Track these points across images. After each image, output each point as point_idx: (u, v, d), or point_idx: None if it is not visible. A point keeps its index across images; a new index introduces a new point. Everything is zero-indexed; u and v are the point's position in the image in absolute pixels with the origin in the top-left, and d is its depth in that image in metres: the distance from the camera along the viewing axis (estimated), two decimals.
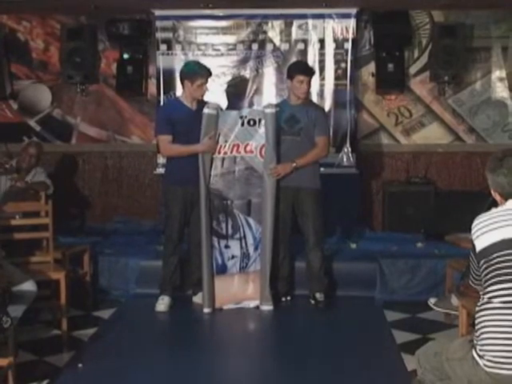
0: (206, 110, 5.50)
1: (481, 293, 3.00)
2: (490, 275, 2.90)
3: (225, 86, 7.26)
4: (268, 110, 5.57)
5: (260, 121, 5.59)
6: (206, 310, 5.63)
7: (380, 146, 7.62)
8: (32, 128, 7.75)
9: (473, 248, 3.00)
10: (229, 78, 7.31)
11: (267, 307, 5.69)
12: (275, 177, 5.57)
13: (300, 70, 5.71)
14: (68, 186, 7.74)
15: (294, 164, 5.57)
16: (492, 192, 3.07)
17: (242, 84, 7.31)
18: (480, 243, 2.94)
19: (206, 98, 5.73)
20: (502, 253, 2.87)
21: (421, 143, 7.62)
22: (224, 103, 6.96)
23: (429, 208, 7.08)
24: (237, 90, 7.29)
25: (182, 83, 5.67)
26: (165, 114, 5.74)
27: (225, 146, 5.58)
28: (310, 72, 5.70)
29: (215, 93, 7.02)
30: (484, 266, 2.92)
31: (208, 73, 5.59)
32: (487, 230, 2.93)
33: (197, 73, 5.55)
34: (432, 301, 5.16)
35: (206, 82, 5.57)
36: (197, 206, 5.60)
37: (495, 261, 2.88)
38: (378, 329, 5.36)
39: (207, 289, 5.64)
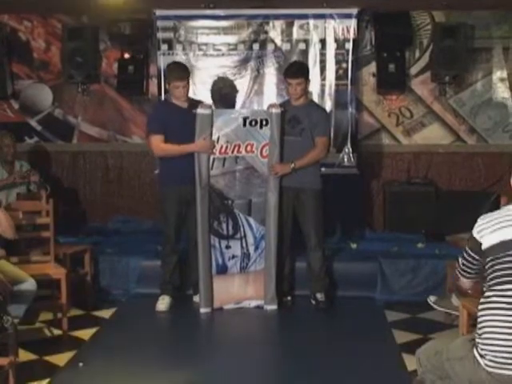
0: (199, 110, 5.49)
1: (484, 289, 3.01)
2: (494, 274, 2.91)
3: (211, 87, 7.23)
4: (274, 110, 5.57)
5: (262, 121, 5.59)
6: (203, 310, 5.63)
7: (381, 146, 7.62)
8: (33, 128, 7.76)
9: (472, 242, 3.02)
10: (232, 78, 7.31)
11: (272, 307, 5.70)
12: (273, 175, 5.58)
13: (287, 73, 5.74)
14: (69, 185, 7.75)
15: (293, 165, 5.57)
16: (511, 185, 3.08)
17: (228, 84, 7.29)
18: (488, 240, 2.94)
19: (203, 99, 5.77)
20: (509, 253, 2.87)
21: (422, 143, 7.61)
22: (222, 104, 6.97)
23: (430, 208, 7.08)
24: (225, 91, 7.28)
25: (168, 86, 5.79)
26: (157, 113, 5.79)
27: (226, 147, 5.57)
28: (295, 75, 5.63)
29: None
30: (490, 264, 2.93)
31: (185, 73, 5.62)
32: (496, 229, 2.93)
33: (172, 74, 5.60)
34: (432, 299, 5.16)
35: (186, 82, 5.58)
36: (193, 204, 5.59)
37: (502, 260, 2.88)
38: (379, 329, 5.36)
39: (204, 289, 5.63)
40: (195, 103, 5.64)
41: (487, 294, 2.96)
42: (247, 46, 7.33)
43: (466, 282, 3.29)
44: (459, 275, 3.26)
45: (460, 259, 3.19)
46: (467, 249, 3.10)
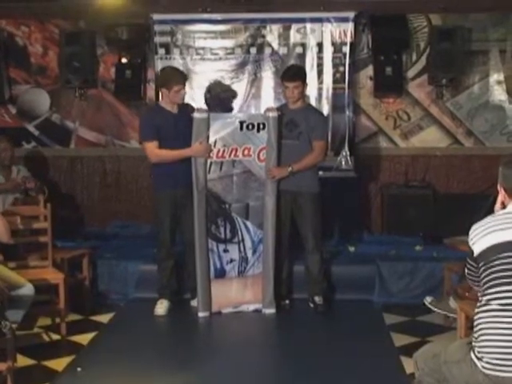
0: (196, 115, 5.50)
1: (479, 294, 3.01)
2: (488, 277, 2.91)
3: (205, 92, 7.25)
4: (271, 114, 5.57)
5: (259, 125, 5.59)
6: (201, 314, 5.63)
7: (378, 149, 7.62)
8: (31, 133, 7.76)
9: (469, 250, 3.02)
10: (229, 82, 7.32)
11: (270, 311, 5.70)
12: (270, 179, 5.59)
13: (284, 76, 5.74)
14: (67, 190, 7.75)
15: (290, 168, 5.57)
16: (498, 187, 3.07)
17: (223, 89, 7.30)
18: (479, 246, 2.94)
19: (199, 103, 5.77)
20: (501, 255, 2.88)
21: (419, 146, 7.61)
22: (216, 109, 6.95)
23: (427, 211, 7.08)
24: (220, 96, 7.29)
25: (160, 91, 5.79)
26: (148, 120, 5.76)
27: (223, 151, 5.57)
28: (292, 78, 5.64)
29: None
30: (483, 268, 2.93)
31: (184, 77, 5.64)
32: (487, 233, 2.94)
33: (172, 79, 5.57)
34: (428, 299, 5.15)
35: (184, 86, 5.59)
36: (187, 207, 5.60)
37: (494, 263, 2.89)
38: (377, 332, 5.36)
39: (202, 293, 5.63)
40: (184, 107, 5.66)
41: (482, 297, 2.96)
42: (244, 49, 7.33)
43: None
44: (471, 285, 3.22)
45: (465, 269, 3.17)
46: (467, 258, 3.09)
